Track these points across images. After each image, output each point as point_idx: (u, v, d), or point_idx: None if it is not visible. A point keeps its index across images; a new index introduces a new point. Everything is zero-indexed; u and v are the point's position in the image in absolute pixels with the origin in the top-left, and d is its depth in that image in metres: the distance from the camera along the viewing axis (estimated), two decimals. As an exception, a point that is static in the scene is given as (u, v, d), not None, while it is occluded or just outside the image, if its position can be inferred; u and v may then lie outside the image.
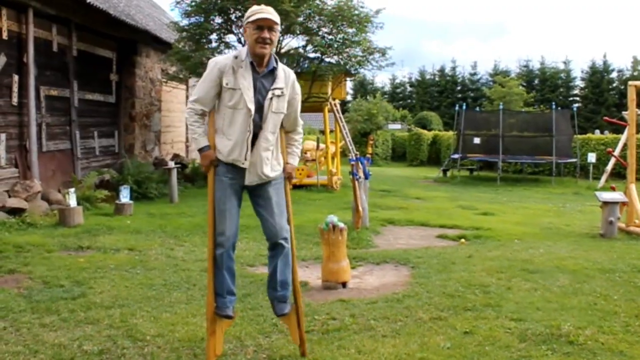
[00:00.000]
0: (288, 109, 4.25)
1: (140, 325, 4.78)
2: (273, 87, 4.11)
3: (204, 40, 15.42)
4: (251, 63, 4.09)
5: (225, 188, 4.14)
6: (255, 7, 4.13)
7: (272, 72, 4.15)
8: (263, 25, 4.01)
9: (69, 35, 12.80)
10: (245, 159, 4.07)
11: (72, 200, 9.81)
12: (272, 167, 4.20)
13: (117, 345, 4.37)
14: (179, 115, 19.48)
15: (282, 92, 4.14)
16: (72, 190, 10.05)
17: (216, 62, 4.11)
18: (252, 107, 4.01)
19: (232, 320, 4.32)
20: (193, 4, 14.80)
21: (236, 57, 4.10)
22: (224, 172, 4.14)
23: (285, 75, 4.23)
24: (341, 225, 6.43)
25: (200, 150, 4.16)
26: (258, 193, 4.27)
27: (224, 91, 4.05)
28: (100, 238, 8.59)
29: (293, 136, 4.49)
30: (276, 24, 4.09)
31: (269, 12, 4.07)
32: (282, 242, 4.26)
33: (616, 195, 9.89)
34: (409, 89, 50.80)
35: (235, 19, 15.08)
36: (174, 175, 13.19)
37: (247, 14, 4.11)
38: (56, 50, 12.44)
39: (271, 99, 4.09)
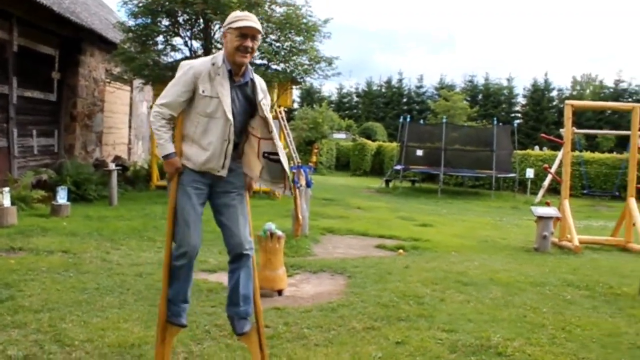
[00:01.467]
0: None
1: (69, 330, 4.68)
2: (260, 99, 4.01)
3: (150, 42, 15.25)
4: (229, 71, 3.94)
5: (190, 197, 3.98)
6: (238, 13, 3.99)
7: (248, 83, 4.03)
8: (247, 33, 3.88)
9: (9, 29, 12.47)
10: (223, 167, 3.96)
11: (6, 200, 9.56)
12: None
13: (43, 350, 4.26)
14: (121, 117, 19.19)
15: (264, 103, 4.04)
16: (6, 189, 9.79)
17: (191, 67, 3.94)
18: (231, 116, 3.87)
19: (183, 328, 4.22)
20: (140, 5, 14.61)
21: (213, 64, 3.93)
22: (190, 181, 3.98)
23: (260, 86, 4.12)
24: (279, 233, 6.45)
25: (166, 157, 3.97)
26: (222, 202, 4.12)
27: (199, 98, 3.90)
28: (34, 239, 8.39)
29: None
30: (260, 33, 3.97)
31: (254, 21, 3.93)
32: (246, 252, 4.11)
33: (550, 211, 10.16)
34: (355, 99, 51.13)
35: (182, 22, 14.97)
36: (114, 177, 12.98)
37: (229, 18, 3.95)
38: (-5, 45, 12.14)
39: (262, 109, 4.00)
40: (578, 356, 4.75)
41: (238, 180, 4.11)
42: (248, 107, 4.05)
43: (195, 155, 3.97)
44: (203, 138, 3.93)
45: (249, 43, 3.89)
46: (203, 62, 4.00)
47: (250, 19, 3.92)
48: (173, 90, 3.95)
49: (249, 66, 4.07)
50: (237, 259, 4.13)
